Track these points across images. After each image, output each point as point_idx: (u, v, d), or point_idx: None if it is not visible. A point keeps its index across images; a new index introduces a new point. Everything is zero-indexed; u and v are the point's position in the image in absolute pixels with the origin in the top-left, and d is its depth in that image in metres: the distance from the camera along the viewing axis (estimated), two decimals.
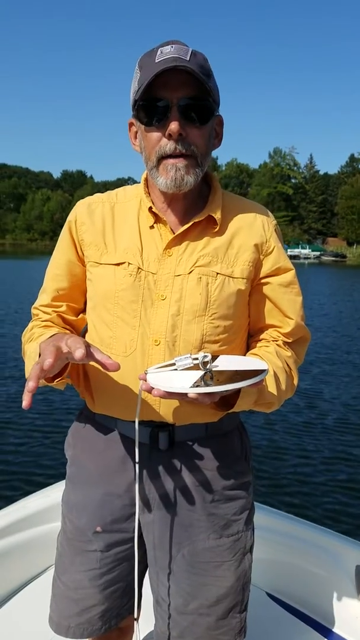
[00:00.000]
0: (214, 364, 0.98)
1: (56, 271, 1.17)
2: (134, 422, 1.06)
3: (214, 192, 1.12)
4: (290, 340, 1.15)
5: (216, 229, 1.08)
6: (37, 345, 1.01)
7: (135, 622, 1.16)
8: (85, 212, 1.13)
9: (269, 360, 1.08)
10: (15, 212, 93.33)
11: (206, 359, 0.94)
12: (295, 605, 1.85)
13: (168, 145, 0.99)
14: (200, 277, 1.05)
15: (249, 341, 1.19)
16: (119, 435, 1.13)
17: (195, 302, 1.05)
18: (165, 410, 1.07)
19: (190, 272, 1.05)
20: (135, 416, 1.05)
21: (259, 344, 1.15)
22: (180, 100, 0.97)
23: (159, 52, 0.97)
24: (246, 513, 1.16)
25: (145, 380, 0.93)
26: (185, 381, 0.90)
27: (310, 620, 1.78)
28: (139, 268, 1.06)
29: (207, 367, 0.94)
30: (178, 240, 1.07)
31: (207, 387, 0.86)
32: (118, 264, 1.07)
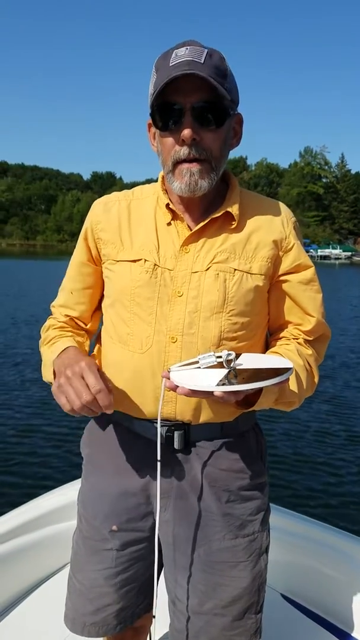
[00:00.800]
0: (237, 362, 0.96)
1: (71, 272, 1.20)
2: (150, 420, 1.06)
3: (231, 189, 1.11)
4: (311, 338, 1.14)
5: (234, 225, 1.07)
6: (51, 355, 1.07)
7: (152, 620, 1.15)
8: (101, 211, 1.14)
9: (290, 358, 1.06)
10: (46, 214, 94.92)
11: (230, 357, 0.93)
12: (310, 608, 1.82)
13: (182, 150, 0.99)
14: (218, 274, 1.04)
15: (269, 339, 1.18)
16: (135, 434, 1.13)
17: (212, 299, 1.04)
18: (181, 410, 1.07)
19: (208, 268, 1.05)
20: (151, 415, 1.05)
21: (279, 342, 1.13)
22: (193, 104, 0.96)
23: (173, 54, 0.96)
24: (262, 514, 1.15)
25: (169, 378, 0.92)
26: (210, 379, 0.89)
27: (326, 622, 1.76)
28: (155, 265, 1.06)
29: (231, 365, 0.93)
30: (195, 236, 1.06)
31: (233, 386, 0.85)
32: (134, 261, 1.07)
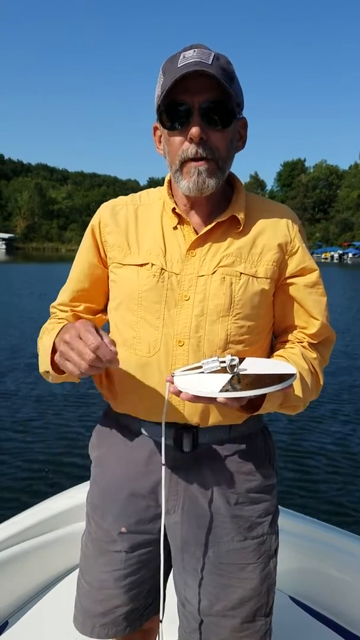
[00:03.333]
0: (241, 367, 0.96)
1: (77, 272, 1.18)
2: (158, 423, 1.06)
3: (237, 192, 1.11)
4: (315, 342, 1.13)
5: (240, 229, 1.08)
6: (48, 340, 1.05)
7: (159, 624, 1.15)
8: (108, 215, 1.14)
9: (295, 362, 1.06)
10: None
11: (233, 362, 0.93)
12: (320, 610, 1.80)
13: (190, 149, 0.99)
14: (224, 277, 1.05)
15: (274, 342, 1.17)
16: (143, 437, 1.13)
17: (219, 303, 1.04)
18: (190, 412, 1.07)
19: (214, 272, 1.05)
20: (159, 418, 1.05)
21: (284, 346, 1.13)
22: (201, 104, 0.97)
23: (181, 56, 0.97)
24: (270, 516, 1.14)
25: (172, 383, 0.93)
26: (213, 385, 0.89)
27: (336, 625, 1.74)
28: (162, 269, 1.06)
29: (235, 370, 0.93)
30: (201, 240, 1.07)
31: (236, 392, 0.85)
32: (141, 265, 1.08)
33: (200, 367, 0.96)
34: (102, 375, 1.18)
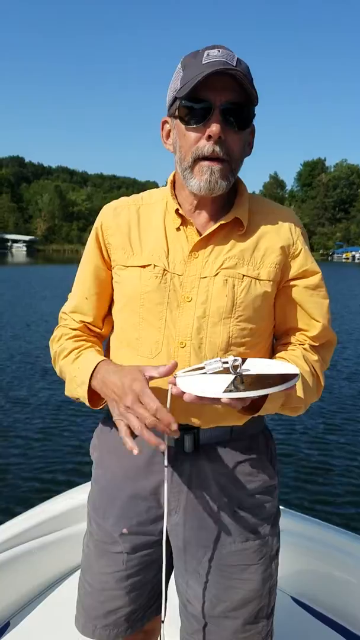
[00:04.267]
0: (244, 367, 0.96)
1: (83, 277, 1.18)
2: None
3: (240, 194, 1.11)
4: (316, 344, 1.13)
5: (242, 232, 1.08)
6: (78, 371, 1.08)
7: (161, 624, 1.15)
8: (110, 216, 1.14)
9: (296, 364, 1.05)
10: None
11: (236, 363, 0.93)
12: (321, 611, 1.80)
13: (207, 147, 0.99)
14: (227, 279, 1.05)
15: (275, 344, 1.17)
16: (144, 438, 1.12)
17: (221, 304, 1.05)
18: (191, 414, 1.07)
19: (217, 274, 1.05)
20: None
21: (285, 348, 1.13)
22: (223, 103, 0.97)
23: (205, 54, 0.97)
24: (272, 517, 1.15)
25: (175, 384, 0.92)
26: (216, 385, 0.89)
27: (337, 625, 1.73)
28: (164, 270, 1.06)
29: (237, 370, 0.93)
30: (204, 242, 1.06)
31: (240, 392, 0.85)
32: (144, 266, 1.08)
33: (203, 368, 0.96)
34: None
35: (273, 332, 1.16)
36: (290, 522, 1.83)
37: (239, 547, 1.10)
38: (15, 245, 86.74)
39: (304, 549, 1.84)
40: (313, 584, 1.86)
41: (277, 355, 1.11)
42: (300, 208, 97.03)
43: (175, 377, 0.94)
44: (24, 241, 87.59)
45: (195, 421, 1.08)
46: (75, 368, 1.09)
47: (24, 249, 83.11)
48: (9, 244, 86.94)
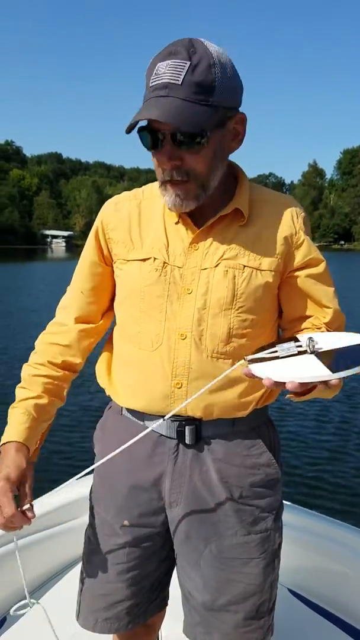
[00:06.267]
0: (317, 346, 0.93)
1: (82, 271, 1.19)
2: (162, 416, 1.05)
3: (240, 184, 1.09)
4: (331, 330, 1.11)
5: (243, 222, 1.06)
6: (7, 424, 1.09)
7: (162, 620, 1.14)
8: (111, 212, 1.14)
9: None
10: None
11: (313, 342, 0.91)
12: (319, 603, 1.80)
13: (166, 173, 0.98)
14: (227, 270, 1.04)
15: (286, 333, 1.15)
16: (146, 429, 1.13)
17: (221, 296, 1.04)
18: (193, 406, 1.06)
19: (217, 265, 1.04)
20: (162, 411, 1.06)
21: (307, 332, 1.11)
22: (171, 129, 0.93)
23: (156, 69, 0.93)
24: (275, 510, 1.14)
25: (253, 375, 0.90)
26: (301, 368, 0.88)
27: (335, 618, 1.74)
28: (164, 262, 1.06)
29: (314, 349, 0.91)
30: (204, 233, 1.06)
31: (350, 370, 0.83)
32: (144, 260, 1.07)
33: (275, 351, 0.94)
34: (107, 369, 1.19)
35: (276, 323, 1.15)
36: (287, 514, 1.83)
37: (241, 540, 1.09)
38: (54, 240, 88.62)
39: (301, 541, 1.83)
40: (310, 576, 1.86)
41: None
42: (340, 197, 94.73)
43: (246, 360, 0.94)
44: (63, 237, 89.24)
45: (197, 414, 1.07)
46: (9, 416, 1.11)
47: (63, 244, 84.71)
48: (49, 239, 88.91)
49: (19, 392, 1.14)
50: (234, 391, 1.07)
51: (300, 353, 0.92)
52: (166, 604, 1.24)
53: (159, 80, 0.92)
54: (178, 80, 0.90)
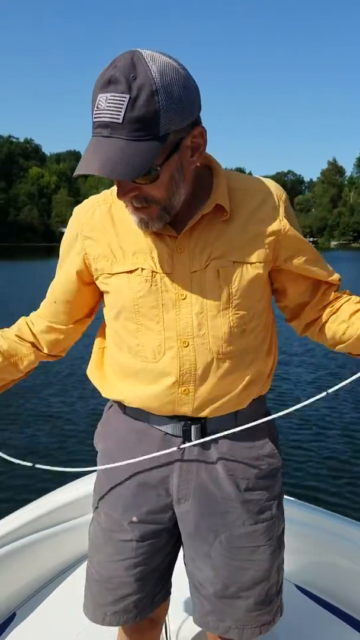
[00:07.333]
0: None
1: (57, 281, 1.17)
2: (167, 416, 1.09)
3: (216, 176, 1.04)
4: (336, 290, 1.15)
5: (226, 217, 1.02)
6: None
7: (166, 612, 1.16)
8: (86, 221, 1.08)
9: None
10: None
11: None
12: (325, 598, 1.81)
13: (125, 200, 0.95)
14: (218, 270, 1.02)
15: (297, 323, 1.18)
16: (151, 428, 1.13)
17: (217, 297, 1.03)
18: (198, 405, 1.08)
19: (207, 266, 1.02)
20: (169, 412, 1.08)
21: (335, 310, 1.12)
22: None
23: (97, 102, 0.86)
24: (277, 498, 1.17)
25: None
26: None
27: (341, 613, 1.75)
28: (153, 271, 1.02)
29: None
30: (187, 235, 1.02)
31: None
32: (131, 271, 1.04)
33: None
34: (99, 375, 1.19)
35: (270, 306, 1.16)
36: (293, 511, 1.83)
37: (249, 529, 1.12)
38: None
39: (308, 537, 1.85)
40: (316, 572, 1.88)
41: (351, 313, 1.08)
42: None
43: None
44: None
45: (202, 412, 1.09)
46: None
47: None
48: None
49: None
50: (234, 385, 1.09)
51: None
52: (169, 594, 1.27)
53: (100, 117, 0.86)
54: (118, 119, 0.84)
